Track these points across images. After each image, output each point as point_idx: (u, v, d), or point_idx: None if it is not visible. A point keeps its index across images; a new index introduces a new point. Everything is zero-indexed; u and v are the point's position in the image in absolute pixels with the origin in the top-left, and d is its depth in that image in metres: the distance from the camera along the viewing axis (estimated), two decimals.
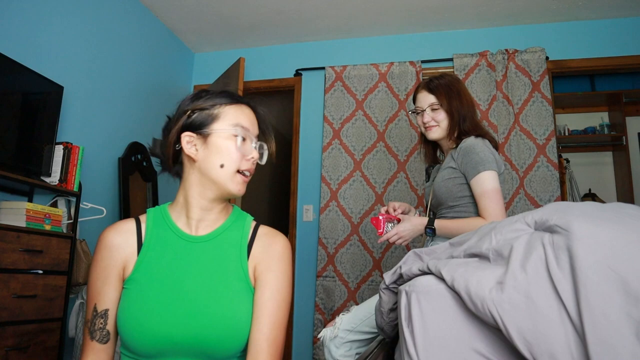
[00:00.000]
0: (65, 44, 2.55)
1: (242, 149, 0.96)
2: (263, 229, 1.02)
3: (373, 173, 3.30)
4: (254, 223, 1.04)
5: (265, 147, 1.02)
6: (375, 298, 1.47)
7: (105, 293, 0.90)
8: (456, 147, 1.64)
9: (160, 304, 0.88)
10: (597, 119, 3.92)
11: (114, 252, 0.92)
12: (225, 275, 0.93)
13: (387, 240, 1.62)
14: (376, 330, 1.41)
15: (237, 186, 0.96)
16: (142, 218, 0.99)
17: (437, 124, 1.67)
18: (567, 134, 3.84)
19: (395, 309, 1.14)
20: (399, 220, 1.63)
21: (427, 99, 1.68)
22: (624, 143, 3.64)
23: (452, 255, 1.00)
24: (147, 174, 3.20)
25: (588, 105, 3.97)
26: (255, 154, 0.98)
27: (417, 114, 1.73)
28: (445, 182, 1.63)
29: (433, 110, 1.67)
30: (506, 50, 3.22)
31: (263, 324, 0.89)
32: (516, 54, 3.20)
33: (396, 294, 1.11)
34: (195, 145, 0.96)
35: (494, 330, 0.81)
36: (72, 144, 2.33)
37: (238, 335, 0.88)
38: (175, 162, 1.00)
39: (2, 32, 2.16)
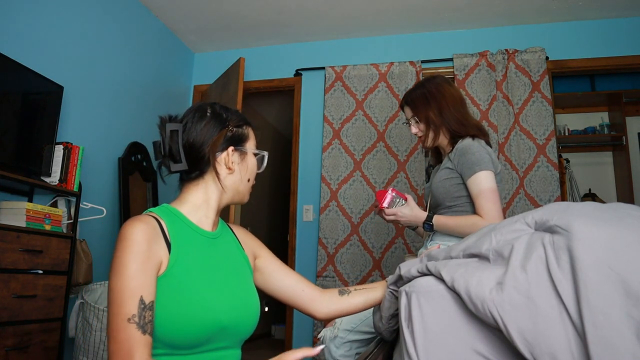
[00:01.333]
0: (65, 44, 2.55)
1: (259, 168, 1.14)
2: (228, 223, 1.20)
3: (373, 173, 3.30)
4: (220, 219, 1.19)
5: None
6: None
7: (149, 285, 0.89)
8: (453, 148, 1.65)
9: (204, 294, 0.95)
10: (597, 119, 3.92)
11: (153, 246, 0.92)
12: (238, 265, 1.10)
13: (382, 214, 1.66)
14: (375, 332, 1.41)
15: (247, 197, 1.14)
16: (155, 216, 1.00)
17: (424, 133, 1.71)
18: (567, 134, 3.84)
19: (396, 315, 1.14)
20: (405, 200, 1.66)
21: (407, 112, 1.76)
22: (624, 143, 3.64)
23: (450, 255, 1.00)
24: (147, 174, 3.20)
25: (588, 105, 3.97)
26: (262, 170, 1.16)
27: (408, 124, 1.79)
28: (443, 183, 1.65)
29: (416, 122, 1.72)
30: (506, 50, 3.22)
31: (291, 272, 1.20)
32: (516, 54, 3.20)
33: (397, 298, 1.12)
34: (232, 159, 1.07)
35: (494, 331, 0.81)
36: (72, 144, 2.33)
37: (258, 315, 1.06)
38: (195, 167, 1.05)
39: (2, 32, 2.16)
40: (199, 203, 1.07)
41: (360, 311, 1.20)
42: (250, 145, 1.11)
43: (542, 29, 3.29)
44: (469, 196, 1.60)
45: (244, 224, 4.64)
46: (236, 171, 1.08)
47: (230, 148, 1.06)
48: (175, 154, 1.03)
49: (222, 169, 1.06)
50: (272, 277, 1.17)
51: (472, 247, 0.95)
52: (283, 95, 4.03)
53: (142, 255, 0.90)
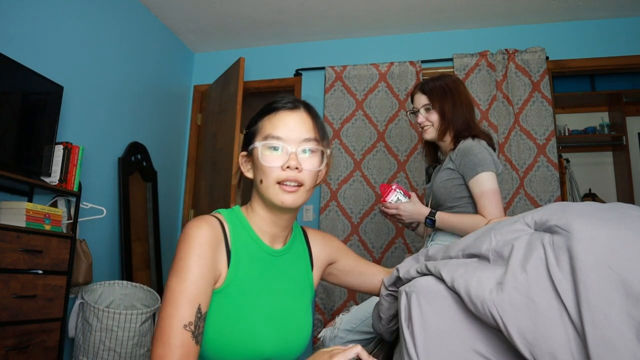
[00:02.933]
0: (65, 44, 2.54)
1: (272, 161, 0.91)
2: (310, 232, 1.12)
3: (373, 173, 3.30)
4: (301, 230, 1.11)
5: (308, 148, 0.93)
6: (375, 298, 1.48)
7: (207, 296, 0.83)
8: (454, 148, 1.65)
9: (254, 320, 0.89)
10: (597, 119, 3.92)
11: (215, 254, 0.86)
12: (298, 287, 1.01)
13: (385, 210, 1.67)
14: (375, 333, 1.41)
15: (279, 197, 0.91)
16: (221, 220, 0.93)
17: (432, 124, 1.70)
18: (567, 134, 3.84)
19: (395, 316, 1.14)
20: (409, 197, 1.66)
21: (420, 99, 1.73)
22: (624, 143, 3.64)
23: (449, 255, 1.00)
24: (147, 174, 3.20)
25: (588, 105, 3.97)
26: (292, 162, 0.90)
27: (414, 113, 1.77)
28: (444, 183, 1.65)
29: (426, 110, 1.71)
30: (506, 50, 3.22)
31: (367, 267, 1.18)
32: (516, 54, 3.20)
33: (396, 298, 1.11)
34: (247, 164, 0.99)
35: (494, 331, 0.81)
36: (72, 144, 2.33)
37: (305, 346, 0.99)
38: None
39: (2, 32, 2.16)
40: (256, 215, 0.98)
41: None
42: (257, 139, 0.94)
43: (542, 29, 3.29)
44: (471, 197, 1.60)
45: None
46: (252, 176, 0.97)
47: (241, 154, 0.99)
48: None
49: (249, 178, 0.99)
50: (348, 277, 1.16)
51: (472, 247, 0.95)
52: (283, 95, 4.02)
53: (205, 261, 0.84)
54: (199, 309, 0.81)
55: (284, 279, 0.98)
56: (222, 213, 0.95)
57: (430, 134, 1.72)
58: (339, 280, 1.17)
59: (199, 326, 0.80)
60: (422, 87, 1.73)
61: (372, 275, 1.17)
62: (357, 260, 1.18)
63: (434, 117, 1.69)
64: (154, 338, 0.79)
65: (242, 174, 1.01)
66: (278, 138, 0.91)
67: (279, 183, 0.91)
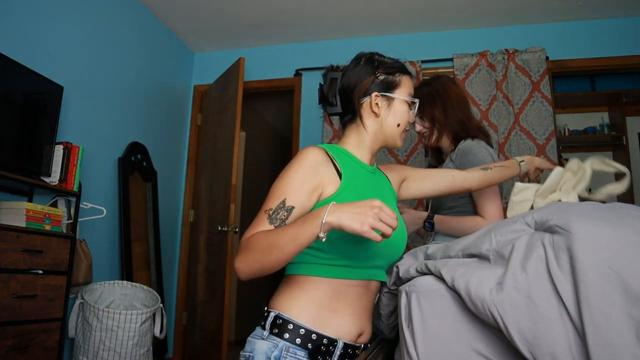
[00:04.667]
0: (65, 44, 2.54)
1: (410, 116, 1.19)
2: (379, 166, 1.31)
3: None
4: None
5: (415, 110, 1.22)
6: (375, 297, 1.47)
7: (299, 195, 1.00)
8: (454, 149, 1.66)
9: None
10: (597, 119, 3.92)
11: (320, 168, 1.04)
12: (391, 197, 1.23)
13: None
14: (375, 330, 1.41)
15: (402, 141, 1.20)
16: (326, 150, 1.11)
17: (427, 130, 1.71)
18: (567, 134, 3.84)
19: (395, 311, 1.14)
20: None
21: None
22: (624, 143, 3.64)
23: (449, 254, 1.00)
24: (147, 174, 3.20)
25: (588, 105, 3.97)
26: (413, 119, 1.21)
27: (412, 124, 1.77)
28: None
29: (421, 119, 1.71)
30: (506, 50, 3.22)
31: (437, 172, 1.38)
32: (516, 54, 3.20)
33: (396, 295, 1.11)
34: (377, 103, 1.14)
35: (495, 331, 0.81)
36: (72, 144, 2.33)
37: (406, 240, 1.19)
38: (347, 110, 1.17)
39: (2, 32, 2.16)
40: (356, 143, 1.17)
41: (499, 182, 1.43)
42: (401, 92, 1.15)
43: (542, 29, 3.29)
44: (470, 197, 1.60)
45: (243, 222, 4.64)
46: (381, 116, 1.14)
47: (374, 93, 1.13)
48: (331, 99, 1.17)
49: (366, 113, 1.15)
50: (424, 185, 1.33)
51: (472, 247, 0.95)
52: (283, 95, 4.02)
53: (305, 170, 1.02)
54: (283, 201, 0.98)
55: (381, 188, 1.19)
56: (322, 146, 1.12)
57: (431, 140, 1.71)
58: (421, 191, 1.33)
59: (278, 212, 0.98)
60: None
61: (443, 175, 1.35)
62: (426, 172, 1.37)
63: (427, 123, 1.69)
64: None
65: (359, 108, 1.16)
66: (415, 98, 1.19)
67: (404, 130, 1.19)
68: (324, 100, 1.19)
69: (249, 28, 3.49)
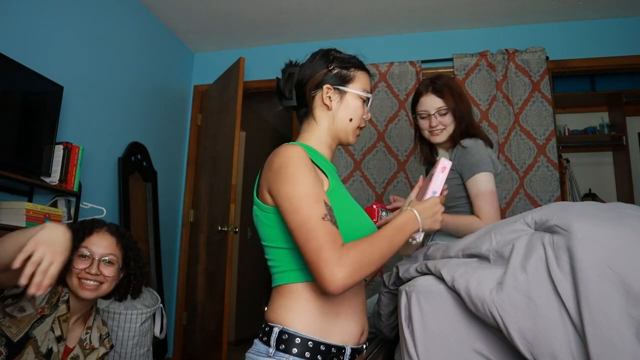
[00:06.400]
0: (65, 44, 2.54)
1: (364, 112, 1.17)
2: None
3: (373, 173, 3.30)
4: None
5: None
6: (375, 298, 1.47)
7: (322, 193, 0.99)
8: (453, 147, 1.64)
9: (358, 209, 1.12)
10: (597, 119, 3.92)
11: (313, 166, 1.04)
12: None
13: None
14: (375, 330, 1.41)
15: (355, 138, 1.18)
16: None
17: (445, 127, 1.63)
18: (567, 134, 3.84)
19: (395, 311, 1.14)
20: (391, 211, 1.59)
21: (433, 102, 1.63)
22: (624, 143, 3.64)
23: (448, 255, 1.00)
24: (147, 174, 3.20)
25: (588, 105, 3.97)
26: (369, 115, 1.19)
27: (422, 118, 1.68)
28: None
29: (441, 114, 1.62)
30: (506, 50, 3.22)
31: None
32: (516, 54, 3.20)
33: (396, 295, 1.12)
34: (330, 97, 1.13)
35: (495, 331, 0.81)
36: (72, 144, 2.33)
37: None
38: (301, 104, 1.17)
39: (2, 32, 2.16)
40: (316, 140, 1.15)
41: None
42: (355, 87, 1.14)
43: (542, 29, 3.29)
44: (468, 197, 1.59)
45: (243, 223, 4.64)
46: (333, 109, 1.14)
47: (326, 85, 1.13)
48: (287, 93, 1.16)
49: (318, 106, 1.15)
50: None
51: (472, 247, 0.95)
52: None
53: (311, 169, 1.00)
54: (325, 202, 0.96)
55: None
56: (297, 144, 1.10)
57: (442, 137, 1.64)
58: None
59: (332, 215, 0.96)
60: (434, 87, 1.65)
61: None
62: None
63: (449, 120, 1.62)
64: (302, 239, 0.92)
65: (310, 99, 1.15)
66: (369, 94, 1.18)
67: (358, 127, 1.18)
68: (280, 94, 1.18)
69: (249, 28, 3.49)
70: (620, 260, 0.70)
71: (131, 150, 3.05)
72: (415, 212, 0.99)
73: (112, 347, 1.53)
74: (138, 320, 2.32)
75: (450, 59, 3.33)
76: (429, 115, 1.64)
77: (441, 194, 1.11)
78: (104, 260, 1.39)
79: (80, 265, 1.34)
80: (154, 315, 2.49)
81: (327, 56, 1.18)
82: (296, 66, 1.18)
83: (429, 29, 3.44)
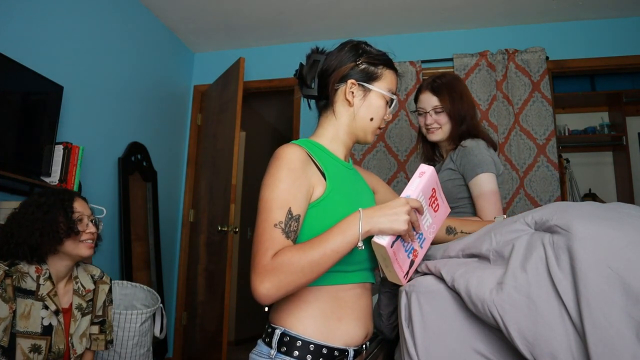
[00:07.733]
0: (65, 44, 2.54)
1: (387, 111, 1.13)
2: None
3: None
4: None
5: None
6: (375, 298, 1.47)
7: (299, 200, 0.94)
8: (455, 148, 1.64)
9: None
10: (597, 119, 3.92)
11: (307, 169, 0.98)
12: (369, 195, 1.18)
13: None
14: (375, 330, 1.41)
15: (373, 138, 1.14)
16: (302, 147, 1.05)
17: (440, 126, 1.65)
18: (567, 134, 3.83)
19: (395, 311, 1.14)
20: None
21: (430, 100, 1.66)
22: (624, 143, 3.63)
23: (448, 255, 1.00)
24: (147, 174, 3.20)
25: (588, 105, 3.97)
26: (390, 116, 1.14)
27: (420, 115, 1.71)
28: (445, 184, 1.63)
29: (436, 112, 1.65)
30: (506, 50, 3.22)
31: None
32: (516, 54, 3.20)
33: (396, 296, 1.12)
34: (353, 92, 1.09)
35: (495, 331, 0.81)
36: (72, 144, 2.33)
37: None
38: (322, 94, 1.12)
39: (2, 32, 2.16)
40: (331, 136, 1.11)
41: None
42: (381, 86, 1.10)
43: (542, 29, 3.29)
44: (471, 197, 1.59)
45: (243, 222, 4.64)
46: (355, 106, 1.09)
47: (350, 80, 1.08)
48: (309, 81, 1.11)
49: (340, 100, 1.10)
50: None
51: (472, 247, 0.95)
52: (283, 95, 4.02)
53: (295, 173, 0.95)
54: (290, 210, 0.92)
55: (362, 187, 1.16)
56: (297, 143, 1.05)
57: (438, 135, 1.66)
58: None
59: (290, 224, 0.91)
60: (432, 86, 1.67)
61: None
62: (392, 192, 1.29)
63: (444, 119, 1.64)
64: (253, 242, 0.91)
65: (332, 92, 1.09)
66: (395, 95, 1.13)
67: (378, 127, 1.13)
68: (302, 81, 1.13)
69: (249, 28, 3.49)
70: (620, 260, 0.70)
71: (131, 150, 3.05)
72: (362, 212, 0.90)
73: (111, 280, 1.78)
74: (138, 320, 2.32)
75: (450, 59, 3.33)
76: (426, 112, 1.68)
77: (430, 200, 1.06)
78: (92, 221, 1.62)
79: (82, 227, 1.55)
80: (153, 315, 2.49)
81: (357, 49, 1.12)
82: (322, 53, 1.14)
83: (429, 29, 3.44)
